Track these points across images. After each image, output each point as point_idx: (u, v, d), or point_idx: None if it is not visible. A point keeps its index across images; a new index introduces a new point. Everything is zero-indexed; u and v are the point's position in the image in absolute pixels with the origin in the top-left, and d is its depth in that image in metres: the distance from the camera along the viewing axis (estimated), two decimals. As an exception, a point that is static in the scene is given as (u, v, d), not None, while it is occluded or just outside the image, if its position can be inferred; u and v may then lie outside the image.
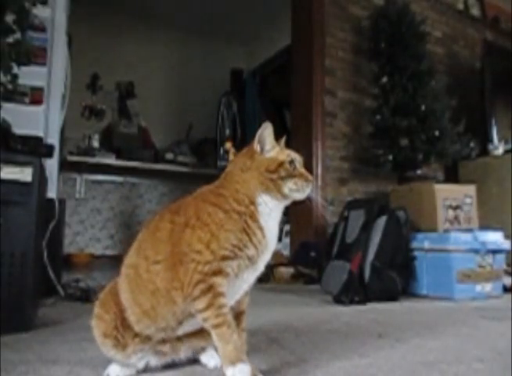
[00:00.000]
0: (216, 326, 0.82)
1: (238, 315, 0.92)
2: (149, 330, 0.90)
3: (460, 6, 4.31)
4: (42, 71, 2.05)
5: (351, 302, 2.03)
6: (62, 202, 2.10)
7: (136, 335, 0.91)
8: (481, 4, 4.46)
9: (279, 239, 3.98)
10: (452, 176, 3.70)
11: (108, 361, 0.97)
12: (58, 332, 1.39)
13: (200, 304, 0.82)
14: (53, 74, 2.13)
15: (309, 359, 1.10)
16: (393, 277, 2.21)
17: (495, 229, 2.52)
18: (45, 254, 1.82)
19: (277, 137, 0.96)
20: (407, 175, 3.14)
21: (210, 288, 0.82)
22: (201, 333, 0.95)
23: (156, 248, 0.88)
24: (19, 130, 1.57)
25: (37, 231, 1.48)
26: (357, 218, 2.39)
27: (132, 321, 0.90)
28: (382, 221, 2.30)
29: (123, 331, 0.90)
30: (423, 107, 3.02)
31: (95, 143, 4.35)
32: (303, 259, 2.97)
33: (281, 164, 0.88)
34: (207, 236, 0.83)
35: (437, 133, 3.02)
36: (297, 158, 0.92)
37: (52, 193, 2.02)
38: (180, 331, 0.91)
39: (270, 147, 0.91)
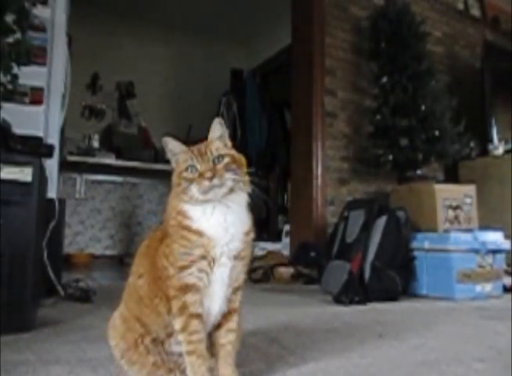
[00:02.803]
0: (187, 353, 0.83)
1: (227, 315, 0.90)
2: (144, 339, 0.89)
3: (460, 6, 4.31)
4: (42, 71, 2.05)
5: (351, 302, 2.03)
6: (62, 202, 2.09)
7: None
8: (481, 4, 4.46)
9: (279, 239, 3.98)
10: (452, 176, 3.70)
11: (108, 361, 0.97)
12: (58, 332, 1.39)
13: (177, 324, 0.84)
14: (53, 74, 2.13)
15: (309, 359, 1.10)
16: (393, 277, 2.21)
17: (495, 229, 2.52)
18: (45, 254, 1.82)
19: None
20: (407, 175, 3.14)
21: (185, 308, 0.83)
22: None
23: (139, 262, 0.93)
24: (19, 130, 1.57)
25: (37, 231, 1.48)
26: (357, 218, 2.39)
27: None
28: (382, 221, 2.30)
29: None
30: (423, 107, 3.02)
31: (95, 143, 4.35)
32: (303, 259, 2.97)
33: (180, 175, 0.84)
34: (166, 251, 0.85)
35: (437, 133, 3.02)
36: (196, 152, 0.85)
37: (52, 193, 2.02)
38: (174, 348, 0.88)
39: (176, 158, 0.88)
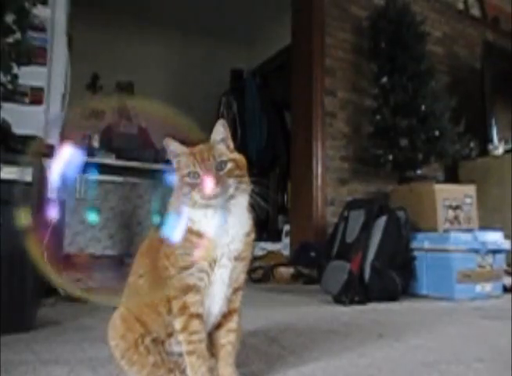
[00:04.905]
0: (187, 353, 0.83)
1: (227, 315, 0.90)
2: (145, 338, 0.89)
3: (460, 6, 4.31)
4: (42, 71, 2.05)
5: (351, 302, 2.03)
6: (62, 202, 2.09)
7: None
8: (481, 4, 4.46)
9: (279, 239, 3.98)
10: (452, 176, 3.69)
11: (108, 361, 0.97)
12: (58, 332, 1.39)
13: (178, 324, 0.84)
14: (53, 74, 2.13)
15: (309, 359, 1.10)
16: (393, 277, 2.21)
17: (495, 229, 2.52)
18: (45, 254, 1.82)
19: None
20: (407, 175, 3.14)
21: (185, 308, 0.83)
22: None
23: (139, 262, 0.93)
24: (19, 130, 1.57)
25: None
26: (357, 218, 2.39)
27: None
28: (382, 221, 2.30)
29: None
30: (423, 107, 3.02)
31: (95, 143, 4.35)
32: (303, 259, 2.97)
33: (182, 179, 0.84)
34: (167, 251, 0.86)
35: (437, 133, 3.02)
36: (199, 158, 0.84)
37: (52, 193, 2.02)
38: (174, 348, 0.88)
39: (177, 159, 0.88)
